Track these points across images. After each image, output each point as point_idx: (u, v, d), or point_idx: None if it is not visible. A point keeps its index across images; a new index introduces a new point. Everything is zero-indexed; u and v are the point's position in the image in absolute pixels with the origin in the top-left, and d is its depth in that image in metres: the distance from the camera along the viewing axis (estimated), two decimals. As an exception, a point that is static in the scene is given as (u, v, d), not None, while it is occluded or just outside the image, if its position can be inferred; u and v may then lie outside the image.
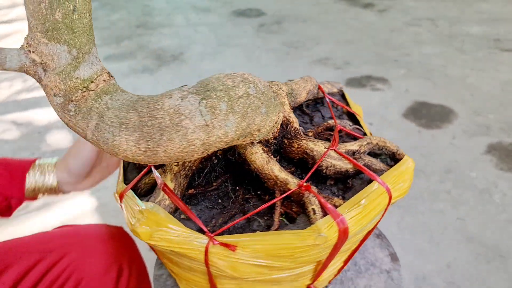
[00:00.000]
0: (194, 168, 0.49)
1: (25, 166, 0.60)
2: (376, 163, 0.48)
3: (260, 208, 0.44)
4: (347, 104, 0.62)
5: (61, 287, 0.62)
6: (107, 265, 0.66)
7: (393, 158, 0.51)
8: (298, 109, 0.61)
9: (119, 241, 0.69)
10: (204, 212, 0.47)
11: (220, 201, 0.49)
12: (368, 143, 0.49)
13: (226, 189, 0.50)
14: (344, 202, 0.43)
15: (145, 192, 0.50)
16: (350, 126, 0.55)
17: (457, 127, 1.82)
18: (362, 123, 0.58)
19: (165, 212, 0.43)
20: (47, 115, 2.09)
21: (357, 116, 0.59)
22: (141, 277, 0.72)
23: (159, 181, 0.46)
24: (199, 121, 0.37)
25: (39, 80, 0.39)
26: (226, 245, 0.40)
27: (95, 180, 0.65)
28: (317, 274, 0.49)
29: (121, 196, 0.47)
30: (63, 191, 0.63)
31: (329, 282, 0.58)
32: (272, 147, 0.47)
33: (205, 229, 0.42)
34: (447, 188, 1.47)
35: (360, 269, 0.63)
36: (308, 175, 0.45)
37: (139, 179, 0.49)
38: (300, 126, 0.53)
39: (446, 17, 3.16)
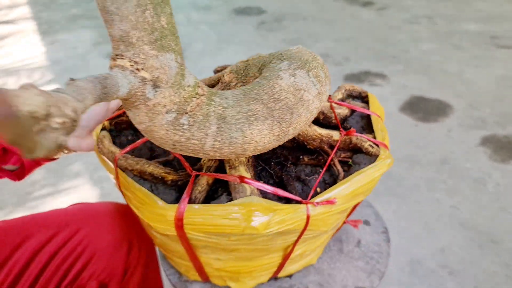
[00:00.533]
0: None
1: None
2: (358, 103, 0.56)
3: (326, 165, 0.48)
4: None
5: (75, 261, 0.66)
6: (118, 241, 0.69)
7: (360, 97, 0.61)
8: None
9: (129, 219, 0.73)
10: (267, 193, 0.47)
11: (264, 181, 0.51)
12: (345, 90, 0.59)
13: (260, 170, 0.52)
14: (372, 135, 0.51)
15: (203, 200, 0.47)
16: None
17: (453, 120, 1.86)
18: None
19: (264, 199, 0.43)
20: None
21: None
22: (149, 254, 0.76)
23: (233, 178, 0.45)
24: (314, 90, 0.39)
25: (144, 101, 0.33)
26: (327, 202, 0.43)
27: None
28: (351, 211, 0.54)
29: (180, 220, 0.43)
30: (68, 148, 0.63)
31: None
32: None
33: (299, 198, 0.44)
34: (443, 178, 1.51)
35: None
36: (340, 125, 0.52)
37: (190, 191, 0.46)
38: None
39: (444, 15, 3.20)
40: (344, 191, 0.44)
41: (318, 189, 0.48)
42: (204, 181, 0.47)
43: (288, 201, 0.45)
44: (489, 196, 1.42)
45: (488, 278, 1.14)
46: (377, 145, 0.49)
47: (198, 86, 0.36)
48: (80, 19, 3.55)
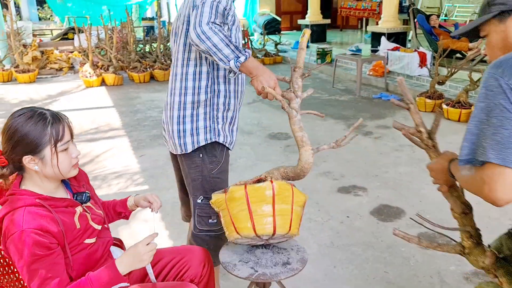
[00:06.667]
0: None
1: (127, 198, 1.71)
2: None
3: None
4: None
5: (181, 269, 1.70)
6: (201, 263, 1.74)
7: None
8: None
9: (206, 256, 1.78)
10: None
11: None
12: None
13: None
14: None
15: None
16: None
17: (403, 221, 2.83)
18: None
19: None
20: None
21: None
22: (212, 271, 1.79)
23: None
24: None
25: None
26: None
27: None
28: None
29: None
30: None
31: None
32: None
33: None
34: (384, 256, 2.46)
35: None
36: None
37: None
38: None
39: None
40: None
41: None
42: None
43: None
44: (409, 267, 2.34)
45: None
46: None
47: None
48: (159, 138, 4.99)
